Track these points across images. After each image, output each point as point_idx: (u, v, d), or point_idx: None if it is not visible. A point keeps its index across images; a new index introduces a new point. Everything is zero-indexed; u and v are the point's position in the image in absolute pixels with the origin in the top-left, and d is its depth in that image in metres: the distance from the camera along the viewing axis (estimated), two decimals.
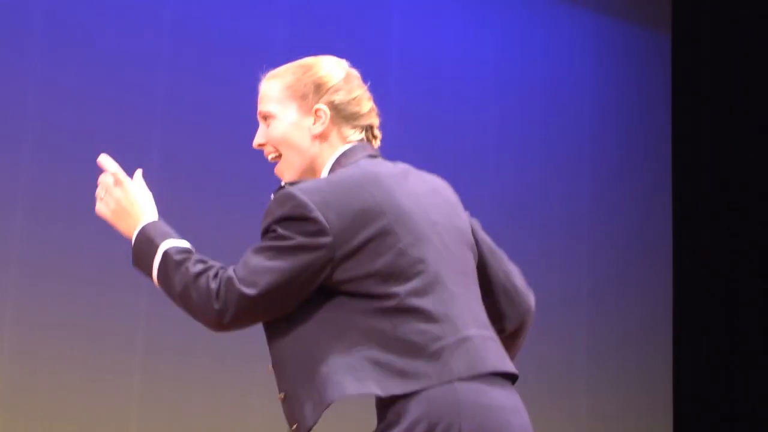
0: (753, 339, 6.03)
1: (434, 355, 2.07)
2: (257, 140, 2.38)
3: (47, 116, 4.77)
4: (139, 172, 2.40)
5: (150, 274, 2.24)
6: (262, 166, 5.11)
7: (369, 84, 2.41)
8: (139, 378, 4.77)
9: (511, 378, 2.20)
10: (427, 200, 2.22)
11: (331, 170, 2.25)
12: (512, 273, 2.37)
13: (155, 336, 4.82)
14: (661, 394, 6.06)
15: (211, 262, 2.20)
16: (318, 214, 2.09)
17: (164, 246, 2.23)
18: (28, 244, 4.67)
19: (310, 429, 2.10)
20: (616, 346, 5.99)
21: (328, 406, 2.08)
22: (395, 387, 2.05)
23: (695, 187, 6.24)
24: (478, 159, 5.76)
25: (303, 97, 2.30)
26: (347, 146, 2.27)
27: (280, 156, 2.33)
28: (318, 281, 2.11)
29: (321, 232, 2.09)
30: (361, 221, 2.11)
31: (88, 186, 4.76)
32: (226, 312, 2.13)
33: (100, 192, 2.38)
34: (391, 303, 2.09)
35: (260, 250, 2.13)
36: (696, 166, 6.26)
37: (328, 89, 2.30)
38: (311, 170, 2.29)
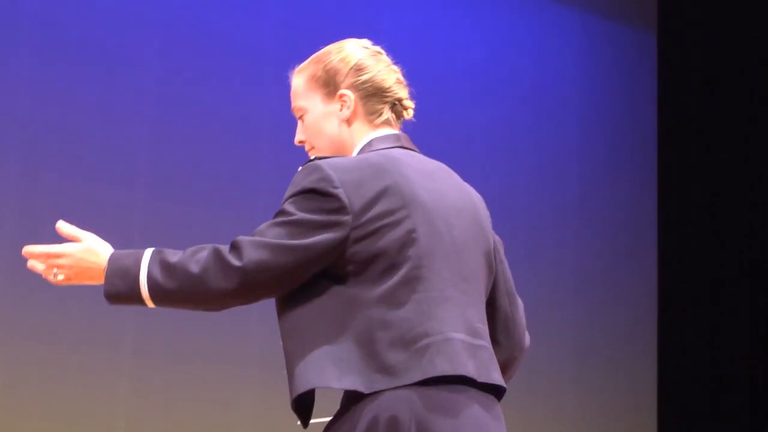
0: (737, 338, 6.05)
1: (415, 353, 2.06)
2: (297, 138, 2.37)
3: (36, 118, 4.76)
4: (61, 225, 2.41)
5: (139, 292, 2.18)
6: (252, 165, 5.15)
7: (393, 59, 2.40)
8: (127, 381, 4.77)
9: (494, 390, 2.17)
10: (450, 201, 2.22)
11: (360, 152, 2.26)
12: (518, 306, 2.35)
13: (144, 339, 4.82)
14: (645, 393, 6.08)
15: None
16: (341, 191, 2.10)
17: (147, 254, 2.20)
18: (15, 246, 4.66)
19: (295, 408, 2.12)
20: (601, 345, 6.01)
21: (304, 392, 2.09)
22: (366, 384, 2.04)
23: (681, 185, 6.25)
24: (464, 158, 5.77)
25: (326, 85, 2.30)
26: (378, 132, 2.28)
27: (313, 148, 2.34)
28: (330, 259, 2.10)
29: (341, 209, 2.10)
30: (380, 204, 2.11)
31: (77, 187, 4.79)
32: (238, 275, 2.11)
33: (48, 272, 2.38)
34: (385, 293, 2.08)
35: (279, 224, 2.12)
36: (682, 165, 6.28)
37: (349, 71, 2.29)
38: (342, 153, 2.29)
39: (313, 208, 2.10)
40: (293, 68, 2.41)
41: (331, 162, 2.13)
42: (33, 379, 4.61)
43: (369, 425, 2.03)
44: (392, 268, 2.09)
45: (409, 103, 2.34)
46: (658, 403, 6.08)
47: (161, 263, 2.15)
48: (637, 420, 6.05)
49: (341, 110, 2.28)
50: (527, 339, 2.38)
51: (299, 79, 2.34)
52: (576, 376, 5.91)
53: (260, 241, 2.10)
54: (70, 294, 4.72)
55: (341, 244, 2.09)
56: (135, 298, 2.17)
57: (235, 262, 2.09)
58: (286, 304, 2.15)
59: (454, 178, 2.31)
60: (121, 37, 4.97)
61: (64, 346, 4.66)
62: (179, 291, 2.13)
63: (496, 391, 2.19)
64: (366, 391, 2.04)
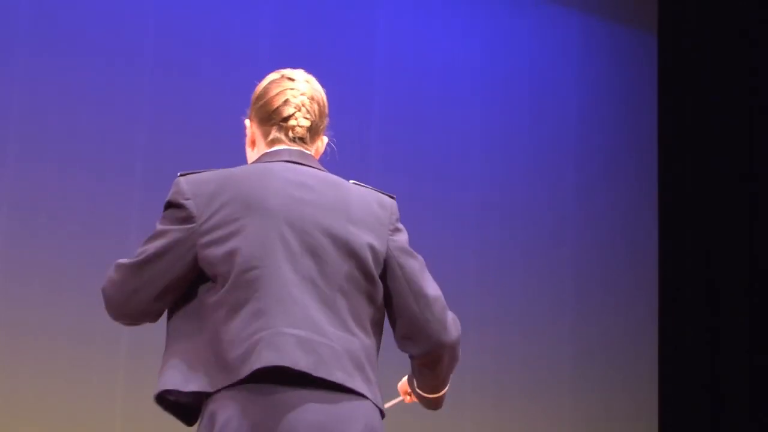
0: (737, 340, 6.04)
1: (249, 348, 2.19)
2: None
3: (32, 115, 4.76)
4: None
5: None
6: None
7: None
8: (124, 378, 4.76)
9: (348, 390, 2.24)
10: (313, 210, 2.33)
11: None
12: (430, 303, 2.40)
13: (140, 336, 4.80)
14: (645, 395, 6.07)
15: None
16: (190, 203, 2.31)
17: None
18: (11, 244, 4.65)
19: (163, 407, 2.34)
20: (600, 348, 6.00)
21: (157, 396, 2.31)
22: (211, 383, 2.22)
23: (681, 188, 6.25)
24: (463, 160, 5.76)
25: (247, 117, 2.55)
26: (269, 150, 2.46)
27: None
28: (186, 267, 2.29)
29: (188, 218, 2.30)
30: (224, 211, 2.29)
31: (73, 185, 4.78)
32: (106, 286, 2.37)
33: None
34: (227, 295, 2.24)
35: (144, 242, 2.35)
36: (682, 167, 6.27)
37: (253, 102, 2.52)
38: None
39: (168, 220, 2.33)
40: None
41: (191, 177, 2.36)
42: (29, 377, 4.60)
43: (203, 423, 2.22)
44: (233, 271, 2.25)
45: (294, 122, 2.45)
46: (659, 407, 6.06)
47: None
48: (638, 424, 6.03)
49: (247, 137, 2.53)
50: (451, 334, 2.41)
51: None
52: (575, 379, 5.89)
53: (121, 263, 2.35)
54: (66, 292, 4.72)
55: (189, 252, 2.29)
56: None
57: (104, 282, 2.37)
58: (168, 313, 2.38)
59: (339, 190, 2.41)
60: (116, 37, 4.96)
61: (60, 345, 4.65)
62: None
63: (355, 392, 2.26)
64: (211, 390, 2.22)
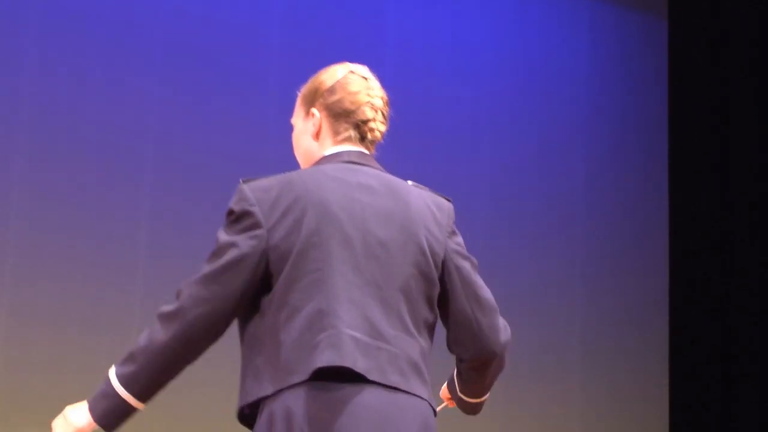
0: (749, 329, 6.03)
1: (312, 349, 2.22)
2: None
3: (42, 115, 4.77)
4: None
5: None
6: (255, 167, 5.13)
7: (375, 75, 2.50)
8: None
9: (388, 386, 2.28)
10: (375, 211, 2.35)
11: (314, 165, 2.45)
12: (484, 307, 2.43)
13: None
14: (655, 378, 6.07)
15: None
16: (256, 209, 2.30)
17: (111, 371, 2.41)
18: (23, 241, 4.67)
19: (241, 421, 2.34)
20: (610, 337, 5.99)
21: (240, 410, 2.31)
22: (274, 385, 2.23)
23: (692, 175, 6.23)
24: (472, 147, 5.76)
25: (307, 104, 2.49)
26: (335, 149, 2.44)
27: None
28: (259, 272, 2.29)
29: (255, 224, 2.30)
30: (290, 216, 2.29)
31: (82, 183, 4.79)
32: (179, 305, 2.30)
33: None
34: (291, 298, 2.27)
35: (211, 256, 2.33)
36: (693, 154, 6.26)
37: (323, 92, 2.46)
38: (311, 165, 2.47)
39: (235, 230, 2.31)
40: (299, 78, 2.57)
41: (253, 183, 2.35)
42: (40, 371, 4.62)
43: (268, 421, 2.22)
44: (294, 274, 2.27)
45: (374, 125, 2.46)
46: (670, 390, 6.06)
47: (122, 362, 2.38)
48: (648, 413, 6.03)
49: (311, 126, 2.47)
50: (501, 340, 2.44)
51: (298, 97, 2.54)
52: (584, 369, 5.90)
53: (195, 277, 2.30)
54: (78, 286, 4.73)
55: (262, 259, 2.28)
56: (121, 404, 2.37)
57: (172, 307, 2.29)
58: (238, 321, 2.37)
59: (399, 191, 2.41)
60: (125, 38, 4.97)
61: (71, 339, 4.67)
62: (143, 367, 2.32)
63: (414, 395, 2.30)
64: (273, 391, 2.24)
